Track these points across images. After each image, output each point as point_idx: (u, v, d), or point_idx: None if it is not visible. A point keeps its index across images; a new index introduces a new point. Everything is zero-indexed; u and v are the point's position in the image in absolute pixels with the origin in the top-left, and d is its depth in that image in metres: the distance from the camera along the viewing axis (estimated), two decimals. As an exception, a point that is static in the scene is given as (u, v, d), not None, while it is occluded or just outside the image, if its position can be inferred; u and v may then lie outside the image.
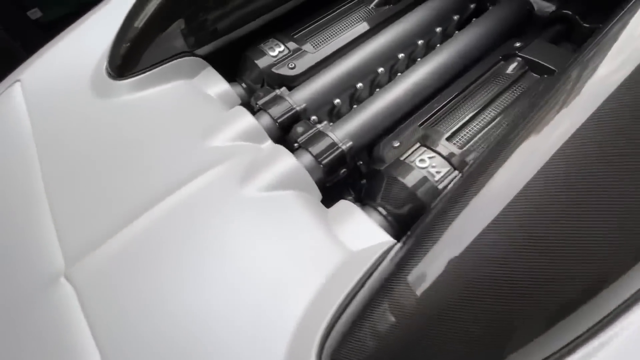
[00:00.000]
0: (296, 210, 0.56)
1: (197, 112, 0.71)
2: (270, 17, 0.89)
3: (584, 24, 0.78)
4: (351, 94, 0.82)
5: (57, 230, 0.58)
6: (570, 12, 0.80)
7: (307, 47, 0.85)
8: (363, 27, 0.89)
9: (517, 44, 0.76)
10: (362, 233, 0.54)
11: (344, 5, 0.94)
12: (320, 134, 0.67)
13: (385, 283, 0.40)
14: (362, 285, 0.44)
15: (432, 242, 0.39)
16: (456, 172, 0.60)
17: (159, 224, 0.55)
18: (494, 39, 0.83)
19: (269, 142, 0.66)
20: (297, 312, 0.44)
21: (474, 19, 0.89)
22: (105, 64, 0.78)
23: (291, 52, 0.84)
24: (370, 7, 0.94)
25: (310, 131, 0.69)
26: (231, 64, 0.89)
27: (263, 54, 0.84)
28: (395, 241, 0.51)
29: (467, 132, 0.65)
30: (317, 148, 0.65)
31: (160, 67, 0.77)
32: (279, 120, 0.71)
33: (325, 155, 0.65)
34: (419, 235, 0.42)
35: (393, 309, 0.37)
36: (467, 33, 0.83)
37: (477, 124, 0.66)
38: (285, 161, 0.61)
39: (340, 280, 0.46)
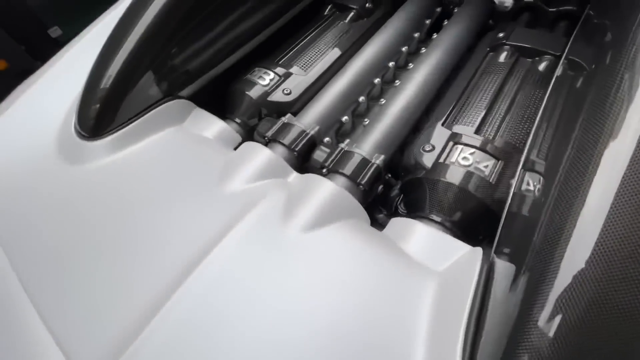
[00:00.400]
0: (358, 241, 0.49)
1: (202, 158, 0.62)
2: (249, 48, 0.84)
3: (549, 9, 0.85)
4: (354, 109, 0.78)
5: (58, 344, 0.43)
6: (533, 0, 0.86)
7: (295, 70, 0.81)
8: (345, 42, 0.88)
9: (501, 35, 0.79)
10: (437, 247, 0.49)
11: (319, 26, 0.92)
12: (349, 154, 0.62)
13: (525, 307, 0.33)
14: (481, 309, 0.38)
15: (558, 258, 0.34)
16: (500, 162, 0.57)
17: (201, 299, 0.44)
18: (470, 35, 0.87)
19: (295, 174, 0.59)
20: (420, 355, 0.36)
21: (446, 21, 0.93)
22: (72, 125, 0.66)
23: (282, 78, 0.79)
24: (345, 23, 0.93)
25: (336, 152, 0.63)
26: (217, 101, 0.81)
27: (253, 84, 0.77)
28: (479, 248, 0.46)
29: (492, 122, 0.64)
30: (349, 168, 0.60)
31: (143, 118, 0.66)
32: (296, 149, 0.64)
33: (361, 174, 0.59)
34: (539, 251, 0.37)
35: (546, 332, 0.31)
36: (448, 34, 0.85)
37: (497, 113, 0.66)
38: (324, 189, 0.54)
39: (450, 309, 0.40)
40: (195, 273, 0.46)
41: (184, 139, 0.66)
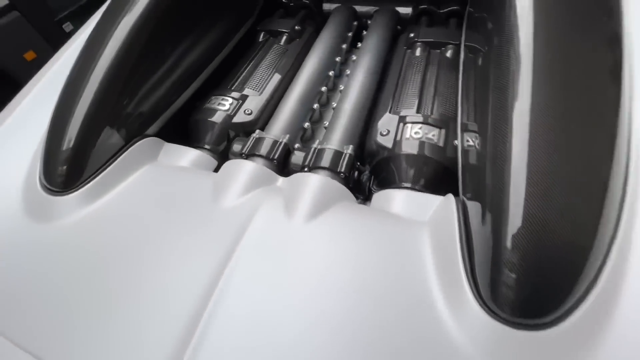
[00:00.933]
0: (355, 216, 0.57)
1: (188, 185, 0.65)
2: (200, 81, 0.89)
3: (440, 11, 1.06)
4: (311, 116, 0.87)
5: None
6: (426, 6, 1.07)
7: (250, 92, 0.88)
8: (286, 61, 0.98)
9: (412, 35, 0.96)
10: (417, 204, 0.59)
11: (258, 51, 1.01)
12: (323, 150, 0.70)
13: (497, 223, 0.44)
14: (468, 239, 0.48)
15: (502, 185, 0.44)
16: (442, 129, 0.71)
17: (237, 308, 0.47)
18: (387, 40, 1.03)
19: (282, 178, 0.65)
20: (433, 283, 0.45)
21: (364, 31, 1.09)
22: (37, 180, 0.63)
23: (240, 101, 0.85)
24: (280, 45, 1.03)
25: (311, 152, 0.71)
26: (182, 134, 0.84)
27: (215, 110, 0.82)
28: (450, 195, 0.57)
29: (426, 102, 0.79)
30: (327, 161, 0.68)
31: (115, 163, 0.66)
32: (275, 157, 0.71)
33: (339, 164, 0.68)
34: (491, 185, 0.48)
35: (521, 236, 0.41)
36: (370, 42, 1.00)
37: (428, 94, 0.81)
38: (313, 182, 0.61)
39: (444, 245, 0.49)
40: (220, 289, 0.48)
41: (163, 173, 0.68)
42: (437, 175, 0.68)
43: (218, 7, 0.93)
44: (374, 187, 0.79)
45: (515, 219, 0.41)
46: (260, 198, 0.59)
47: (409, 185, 0.68)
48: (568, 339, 0.39)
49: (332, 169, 0.67)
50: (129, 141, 0.70)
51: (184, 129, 0.85)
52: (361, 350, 0.42)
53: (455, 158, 0.67)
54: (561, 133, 0.44)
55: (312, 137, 0.86)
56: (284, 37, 1.05)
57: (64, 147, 0.63)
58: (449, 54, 0.91)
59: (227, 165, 0.67)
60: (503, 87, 0.52)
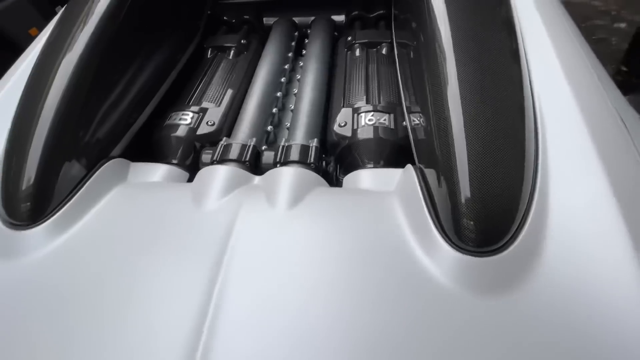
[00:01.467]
0: (333, 197, 0.64)
1: (164, 198, 0.66)
2: (157, 100, 0.90)
3: (369, 15, 1.19)
4: (272, 121, 0.93)
5: None
6: (357, 12, 1.19)
7: (209, 105, 0.91)
8: (238, 73, 1.03)
9: (349, 38, 1.07)
10: (382, 179, 0.67)
11: (209, 66, 1.05)
12: (290, 147, 0.76)
13: (447, 179, 0.54)
14: (430, 197, 0.57)
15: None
16: (391, 114, 0.81)
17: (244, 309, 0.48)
18: (329, 45, 1.14)
19: (257, 177, 0.70)
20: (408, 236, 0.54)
21: (306, 40, 1.18)
22: None
23: (200, 114, 0.88)
24: (229, 59, 1.08)
25: (280, 150, 0.76)
26: (144, 154, 0.84)
27: (177, 126, 0.84)
28: (409, 165, 0.66)
29: (373, 93, 0.89)
30: (297, 156, 0.74)
31: (82, 190, 0.65)
32: (246, 159, 0.75)
33: (308, 156, 0.74)
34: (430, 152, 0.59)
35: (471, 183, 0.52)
36: (314, 48, 1.09)
37: (372, 87, 0.91)
38: (288, 174, 0.66)
39: (413, 204, 0.58)
40: (219, 291, 0.49)
41: (135, 191, 0.68)
42: (393, 153, 0.77)
43: (165, 28, 0.95)
44: (341, 174, 0.86)
45: (463, 174, 0.51)
46: (241, 196, 0.63)
47: (371, 165, 0.76)
48: (515, 260, 0.49)
49: (303, 161, 0.73)
50: (93, 167, 0.69)
51: (146, 149, 0.86)
52: (357, 302, 0.48)
53: (406, 137, 0.78)
54: (483, 103, 0.56)
55: (275, 140, 0.91)
56: (232, 51, 1.10)
57: (24, 186, 0.61)
58: (384, 51, 1.04)
59: (202, 173, 0.70)
60: (434, 71, 0.63)
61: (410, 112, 0.76)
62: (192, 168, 0.83)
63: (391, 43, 1.04)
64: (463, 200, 0.51)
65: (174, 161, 0.82)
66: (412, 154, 0.72)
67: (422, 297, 0.48)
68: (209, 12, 1.20)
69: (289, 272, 0.52)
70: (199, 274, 0.52)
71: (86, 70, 0.69)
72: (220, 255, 0.53)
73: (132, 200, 0.66)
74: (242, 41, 1.11)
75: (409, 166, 0.66)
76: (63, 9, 0.81)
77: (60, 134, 0.64)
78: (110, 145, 0.75)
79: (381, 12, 1.17)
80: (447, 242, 0.51)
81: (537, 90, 0.64)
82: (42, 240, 0.59)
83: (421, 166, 0.64)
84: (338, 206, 0.61)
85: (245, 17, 1.23)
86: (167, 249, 0.56)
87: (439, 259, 0.51)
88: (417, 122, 0.71)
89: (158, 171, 0.75)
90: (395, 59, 1.01)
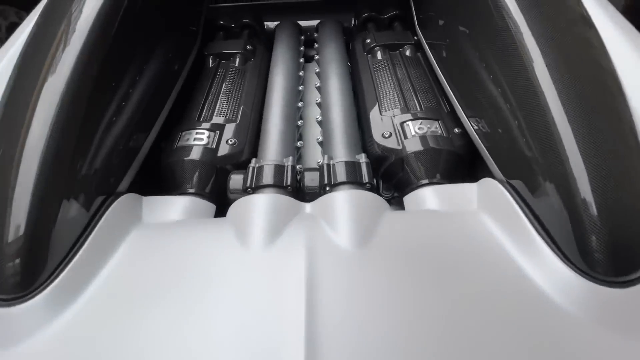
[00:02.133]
0: (407, 223, 0.54)
1: (201, 240, 0.52)
2: (162, 120, 0.75)
3: (382, 16, 1.11)
4: (298, 133, 0.82)
5: None
6: (369, 13, 1.11)
7: (224, 120, 0.78)
8: (250, 82, 0.90)
9: (368, 40, 0.99)
10: (456, 196, 0.58)
11: (214, 77, 0.91)
12: (335, 165, 0.65)
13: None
14: (531, 210, 0.49)
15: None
16: (439, 120, 0.73)
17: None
18: (343, 47, 1.04)
19: (307, 204, 0.58)
20: None
21: (316, 45, 1.08)
22: None
23: (217, 132, 0.74)
24: (236, 67, 0.95)
25: (325, 170, 0.65)
26: (153, 185, 0.69)
27: (191, 147, 0.70)
28: (487, 179, 0.58)
29: (410, 99, 0.80)
30: (348, 176, 0.63)
31: (92, 237, 0.50)
32: (288, 184, 0.63)
33: (361, 175, 0.63)
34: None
35: None
36: (329, 53, 0.99)
37: (408, 92, 0.82)
38: (346, 199, 0.55)
39: (511, 221, 0.49)
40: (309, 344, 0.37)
41: (158, 234, 0.54)
42: (451, 164, 0.68)
43: (162, 36, 0.81)
44: (384, 191, 0.76)
45: (587, 184, 0.42)
46: (298, 231, 0.51)
47: (426, 181, 0.66)
48: None
49: (356, 181, 0.62)
50: (98, 208, 0.54)
51: (152, 179, 0.71)
52: (475, 335, 0.39)
53: (463, 145, 0.69)
54: (588, 94, 0.48)
55: (302, 155, 0.80)
56: (238, 58, 0.97)
57: (11, 237, 0.45)
58: (408, 52, 0.96)
59: (239, 205, 0.57)
60: (514, 68, 0.54)
61: (472, 116, 0.67)
62: (213, 197, 0.69)
63: (414, 44, 0.96)
64: (591, 218, 0.42)
65: (191, 190, 0.67)
66: (479, 163, 0.64)
67: (552, 331, 0.40)
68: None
69: (389, 322, 0.41)
70: (277, 340, 0.39)
71: (79, 90, 0.54)
72: (298, 313, 0.40)
73: (157, 247, 0.51)
74: (247, 47, 0.99)
75: (487, 180, 0.57)
76: (40, 12, 0.64)
77: (54, 170, 0.48)
78: (115, 178, 0.60)
79: (394, 12, 1.10)
80: (568, 266, 0.43)
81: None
82: (40, 318, 0.43)
83: (507, 178, 0.55)
84: (421, 234, 0.51)
85: (245, 20, 1.10)
86: (225, 309, 0.42)
87: (562, 287, 0.42)
88: (487, 127, 0.62)
89: (178, 205, 0.61)
90: (421, 61, 0.94)
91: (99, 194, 0.55)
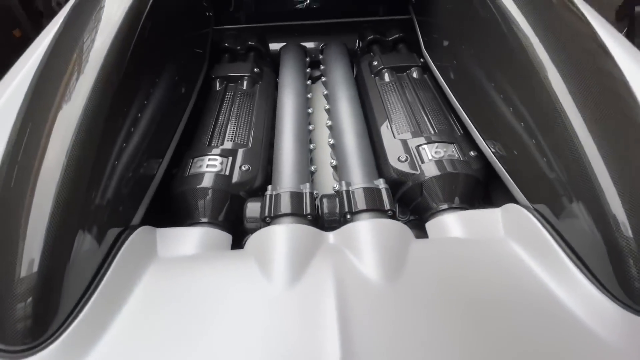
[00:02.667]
0: (436, 253, 0.52)
1: (224, 275, 0.50)
2: (174, 145, 0.73)
3: (386, 39, 1.13)
4: (311, 158, 0.80)
5: None
6: (373, 36, 1.13)
7: (235, 145, 0.76)
8: (260, 105, 0.89)
9: (375, 62, 0.99)
10: (480, 223, 0.57)
11: (222, 100, 0.90)
12: (354, 192, 0.63)
13: None
14: (563, 239, 0.48)
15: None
16: (454, 144, 0.72)
17: None
18: (349, 69, 1.04)
19: (330, 234, 0.56)
20: None
21: (322, 67, 1.08)
22: None
23: (230, 157, 0.73)
24: (244, 89, 0.95)
25: (344, 197, 0.63)
26: (164, 215, 0.66)
27: (204, 174, 0.68)
28: (511, 204, 0.57)
29: (422, 122, 0.80)
30: (370, 203, 0.61)
31: (108, 276, 0.47)
32: (308, 213, 0.61)
33: (382, 202, 0.62)
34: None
35: None
36: (336, 75, 0.99)
37: (420, 115, 0.82)
38: (371, 229, 0.54)
39: (542, 250, 0.48)
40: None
41: (178, 270, 0.51)
42: (470, 188, 0.68)
43: (172, 60, 0.80)
44: (399, 215, 0.75)
45: (621, 205, 0.41)
46: (326, 264, 0.49)
47: (446, 206, 0.66)
48: None
49: (379, 209, 0.61)
50: (112, 242, 0.51)
51: (163, 207, 0.68)
52: None
53: (480, 168, 0.69)
54: (612, 113, 0.48)
55: (315, 180, 0.78)
56: (245, 81, 0.96)
57: (23, 276, 0.41)
58: (415, 74, 0.96)
59: (259, 236, 0.55)
60: (531, 87, 0.54)
61: (488, 139, 0.67)
62: (227, 225, 0.66)
63: (421, 67, 0.97)
64: (627, 241, 0.40)
65: (204, 219, 0.65)
66: (495, 186, 0.63)
67: None
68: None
69: (429, 353, 0.39)
70: None
71: (94, 120, 0.52)
72: (333, 354, 0.38)
73: (176, 286, 0.48)
74: (254, 69, 0.98)
75: (512, 206, 0.56)
76: (53, 37, 0.62)
77: (69, 205, 0.46)
78: (129, 210, 0.57)
79: (398, 35, 1.11)
80: (605, 295, 0.42)
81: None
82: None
83: (532, 203, 0.54)
84: (451, 264, 0.50)
85: (250, 43, 1.11)
86: (256, 351, 0.40)
87: (600, 317, 0.41)
88: (505, 149, 0.62)
89: (193, 236, 0.58)
90: (428, 83, 0.94)
91: (114, 228, 0.52)
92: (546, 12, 0.61)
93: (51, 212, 0.44)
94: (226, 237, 0.62)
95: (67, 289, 0.43)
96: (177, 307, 0.45)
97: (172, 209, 0.68)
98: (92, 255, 0.48)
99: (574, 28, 0.60)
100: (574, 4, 0.66)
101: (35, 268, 0.41)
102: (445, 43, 0.87)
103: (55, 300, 0.42)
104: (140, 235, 0.54)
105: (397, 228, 0.55)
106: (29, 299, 0.41)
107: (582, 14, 0.64)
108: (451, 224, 0.59)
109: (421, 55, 1.00)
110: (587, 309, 0.42)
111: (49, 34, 0.65)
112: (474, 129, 0.70)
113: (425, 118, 0.81)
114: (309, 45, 1.20)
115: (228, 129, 0.81)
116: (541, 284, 0.46)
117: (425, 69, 0.98)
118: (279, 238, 0.52)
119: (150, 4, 0.70)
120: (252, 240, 0.55)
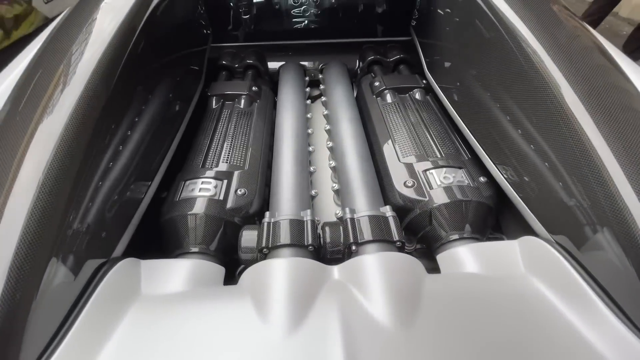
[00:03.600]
0: (452, 292, 0.47)
1: (216, 316, 0.44)
2: (163, 170, 0.68)
3: (387, 59, 1.11)
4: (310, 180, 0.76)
5: None
6: (374, 56, 1.11)
7: (231, 167, 0.72)
8: (258, 125, 0.85)
9: (377, 83, 0.97)
10: (494, 257, 0.53)
11: (218, 119, 0.86)
12: (359, 220, 0.59)
13: None
14: (591, 276, 0.44)
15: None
16: (462, 169, 0.69)
17: None
18: (349, 89, 1.02)
19: (334, 267, 0.51)
20: None
21: (322, 86, 1.06)
22: None
23: (225, 180, 0.68)
24: (241, 108, 0.91)
25: (349, 226, 0.58)
26: (152, 243, 0.61)
27: (196, 199, 0.63)
28: (529, 237, 0.53)
29: (427, 144, 0.77)
30: (377, 233, 0.57)
31: (82, 316, 0.41)
32: (310, 244, 0.56)
33: (390, 232, 0.57)
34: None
35: None
36: (337, 95, 0.97)
37: (424, 137, 0.79)
38: (379, 264, 0.49)
39: (569, 289, 0.44)
40: None
41: (164, 310, 0.45)
42: (481, 216, 0.64)
43: (167, 75, 0.76)
44: (406, 244, 0.70)
45: None
46: (331, 306, 0.43)
47: (457, 236, 0.61)
48: None
49: (388, 240, 0.56)
50: (91, 275, 0.45)
51: (148, 234, 0.62)
52: None
53: (491, 195, 0.65)
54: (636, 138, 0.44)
55: (316, 205, 0.74)
56: (243, 100, 0.93)
57: None
58: (418, 96, 0.94)
59: (255, 271, 0.49)
60: (548, 110, 0.51)
61: (500, 164, 0.63)
62: (219, 254, 0.60)
63: (423, 87, 0.95)
64: None
65: (195, 249, 0.59)
66: (506, 212, 0.59)
67: None
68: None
69: None
70: None
71: (76, 136, 0.47)
72: None
73: (161, 329, 0.42)
74: (252, 88, 0.95)
75: (530, 239, 0.52)
76: (40, 46, 0.58)
77: (42, 230, 0.40)
78: (112, 238, 0.52)
79: (399, 57, 1.10)
80: (636, 335, 0.38)
81: None
82: None
83: (552, 234, 0.50)
84: (469, 304, 0.45)
85: (249, 61, 1.08)
86: None
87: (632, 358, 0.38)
88: (519, 176, 0.58)
89: (182, 269, 0.52)
90: (432, 104, 0.92)
91: (93, 259, 0.46)
92: (552, 27, 0.59)
93: (19, 238, 0.38)
94: (218, 270, 0.56)
95: (33, 330, 0.37)
96: (161, 353, 0.39)
97: (160, 237, 0.62)
98: (66, 292, 0.42)
99: (582, 44, 0.58)
100: (576, 18, 0.65)
101: None
102: (449, 64, 0.85)
103: (16, 344, 0.36)
104: (122, 268, 0.48)
105: (408, 262, 0.50)
106: None
107: (587, 30, 0.62)
108: (465, 257, 0.54)
109: (423, 77, 0.98)
110: (619, 352, 0.38)
111: (37, 45, 0.61)
112: (483, 153, 0.67)
113: (431, 140, 0.78)
114: (309, 64, 1.18)
115: (223, 149, 0.76)
116: (569, 325, 0.42)
117: (428, 90, 0.96)
118: (278, 274, 0.47)
119: (145, 19, 0.66)
120: (248, 275, 0.49)
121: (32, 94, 0.50)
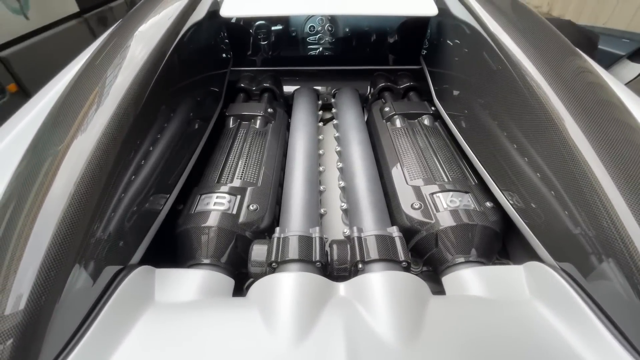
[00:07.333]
0: (456, 314, 0.48)
1: (225, 327, 0.46)
2: (181, 184, 0.72)
3: (397, 86, 1.16)
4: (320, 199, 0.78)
5: None
6: (384, 83, 1.16)
7: (245, 183, 0.75)
8: (272, 144, 0.89)
9: (387, 109, 1.01)
10: (499, 281, 0.53)
11: (234, 138, 0.91)
12: (366, 239, 0.60)
13: None
14: (596, 303, 0.44)
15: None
16: (469, 193, 0.70)
17: None
18: (361, 115, 1.06)
19: (341, 284, 0.52)
20: None
21: (334, 110, 1.10)
22: None
23: (238, 195, 0.71)
24: (257, 128, 0.95)
25: (356, 244, 0.60)
26: (166, 253, 0.63)
27: (210, 212, 0.66)
28: (534, 262, 0.54)
29: (434, 168, 0.79)
30: (383, 252, 0.58)
31: (100, 318, 0.43)
32: (317, 260, 0.57)
33: (397, 252, 0.59)
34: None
35: None
36: (348, 118, 1.01)
37: (432, 161, 0.81)
38: (384, 283, 0.50)
39: (575, 317, 0.44)
40: None
41: (176, 318, 0.47)
42: (487, 240, 0.64)
43: (190, 97, 0.82)
44: (412, 266, 0.70)
45: None
46: (336, 320, 0.45)
47: (462, 259, 0.62)
48: None
49: (393, 260, 0.57)
50: (109, 281, 0.48)
51: (163, 243, 0.65)
52: None
53: (498, 220, 0.66)
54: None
55: (325, 223, 0.76)
56: (259, 121, 0.97)
57: (8, 310, 0.38)
58: (426, 122, 0.97)
59: (264, 284, 0.51)
60: (553, 138, 0.53)
61: (505, 190, 0.65)
62: (229, 266, 0.62)
63: (431, 114, 0.98)
64: None
65: (206, 260, 0.61)
66: (512, 237, 0.59)
67: None
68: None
69: None
70: None
71: (106, 153, 0.51)
72: None
73: (172, 335, 0.44)
74: (268, 109, 1.00)
75: (536, 264, 0.53)
76: (79, 70, 0.64)
77: (68, 238, 0.43)
78: (131, 246, 0.54)
79: (409, 84, 1.14)
80: None
81: None
82: None
83: (557, 260, 0.51)
84: (474, 327, 0.45)
85: (265, 84, 1.14)
86: None
87: None
88: (524, 202, 0.59)
89: (193, 279, 0.54)
90: (440, 130, 0.95)
91: (112, 266, 0.49)
92: (555, 61, 0.62)
93: (48, 245, 0.41)
94: (228, 282, 0.58)
95: (54, 330, 0.39)
96: (171, 358, 0.41)
97: (174, 247, 0.65)
98: (85, 296, 0.44)
99: (584, 78, 0.61)
100: (578, 52, 0.68)
101: (22, 305, 0.38)
102: (457, 93, 0.88)
103: (39, 342, 0.38)
104: (138, 275, 0.50)
105: (413, 282, 0.51)
106: (10, 341, 0.37)
107: (589, 64, 0.65)
108: (470, 280, 0.55)
109: (432, 104, 1.01)
110: None
111: (75, 68, 0.67)
112: (489, 179, 0.69)
113: (438, 165, 0.80)
114: (322, 89, 1.23)
115: (238, 166, 0.80)
116: (572, 351, 0.42)
117: (436, 116, 0.99)
118: (286, 287, 0.49)
119: (174, 45, 0.72)
120: (256, 287, 0.51)
121: (69, 111, 0.55)
